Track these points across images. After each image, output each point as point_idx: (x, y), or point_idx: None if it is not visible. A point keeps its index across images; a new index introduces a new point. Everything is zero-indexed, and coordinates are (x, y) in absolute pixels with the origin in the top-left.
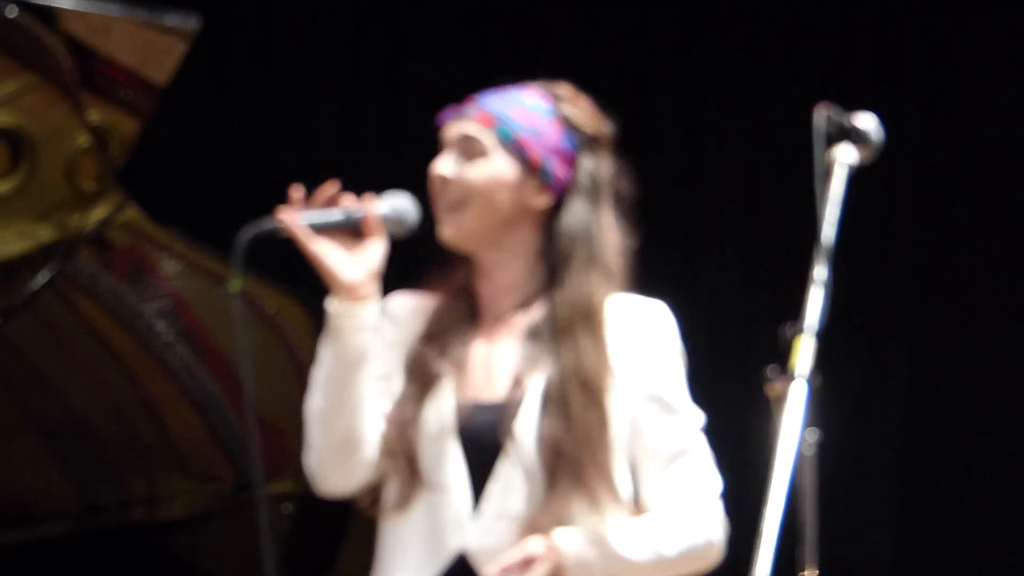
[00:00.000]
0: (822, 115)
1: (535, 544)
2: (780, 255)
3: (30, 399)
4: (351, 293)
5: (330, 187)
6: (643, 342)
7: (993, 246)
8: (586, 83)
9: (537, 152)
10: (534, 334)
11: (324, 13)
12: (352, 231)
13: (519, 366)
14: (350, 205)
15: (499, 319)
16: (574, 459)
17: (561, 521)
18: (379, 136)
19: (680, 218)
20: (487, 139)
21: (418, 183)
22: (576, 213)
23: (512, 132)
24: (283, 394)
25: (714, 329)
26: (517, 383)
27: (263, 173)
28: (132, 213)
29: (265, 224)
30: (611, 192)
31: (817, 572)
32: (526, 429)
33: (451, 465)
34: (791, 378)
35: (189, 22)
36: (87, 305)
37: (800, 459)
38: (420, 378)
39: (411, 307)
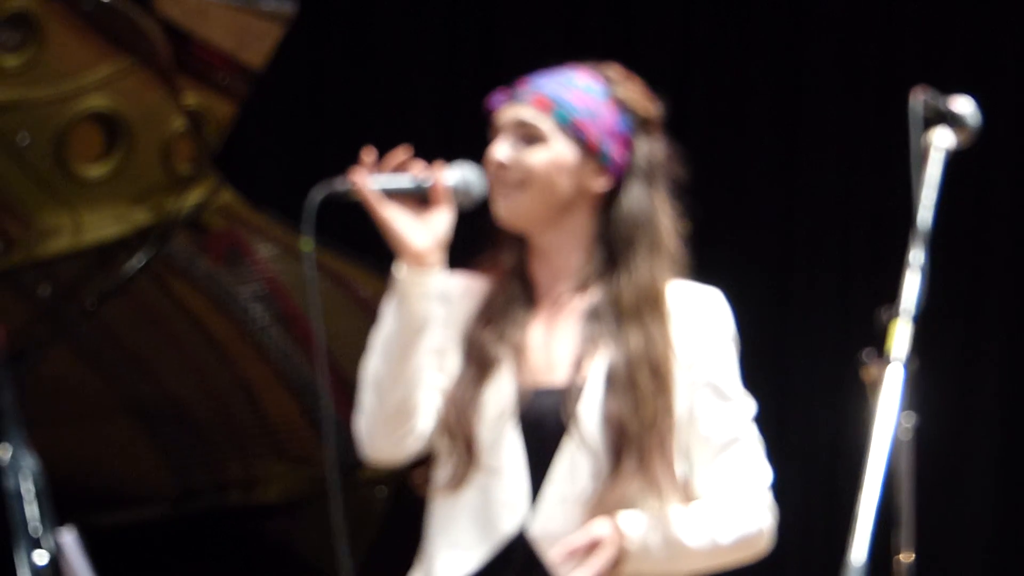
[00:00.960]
0: (919, 99)
1: (602, 527)
2: (877, 239)
3: (127, 382)
4: (418, 260)
5: (401, 152)
6: (701, 329)
7: None
8: (680, 67)
9: (595, 135)
10: (594, 317)
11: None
12: (420, 199)
13: (580, 349)
14: (419, 172)
15: (556, 302)
16: (640, 442)
17: (623, 504)
18: (475, 122)
19: (778, 202)
20: (544, 124)
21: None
22: (635, 196)
23: (569, 115)
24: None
25: (811, 313)
26: (578, 366)
27: (358, 157)
28: (228, 196)
29: (336, 185)
30: (666, 175)
31: (913, 556)
32: (590, 411)
33: (509, 449)
34: (887, 362)
35: (285, 6)
36: (183, 288)
37: (897, 443)
38: (479, 361)
39: (464, 288)
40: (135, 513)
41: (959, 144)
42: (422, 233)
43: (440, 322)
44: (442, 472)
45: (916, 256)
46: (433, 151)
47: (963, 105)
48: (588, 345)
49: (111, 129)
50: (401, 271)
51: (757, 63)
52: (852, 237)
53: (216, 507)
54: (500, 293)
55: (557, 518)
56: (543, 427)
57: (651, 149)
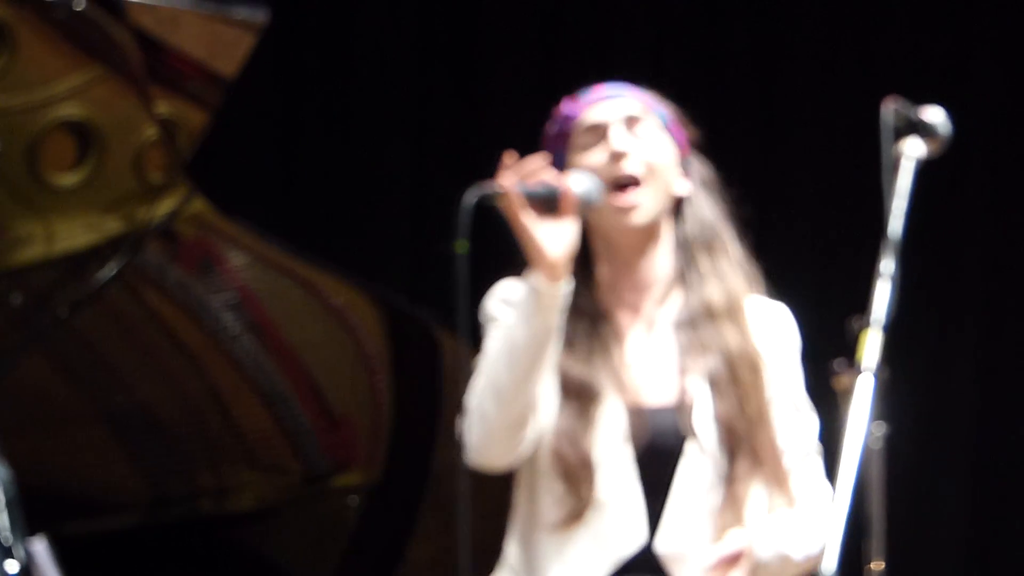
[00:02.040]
0: (890, 109)
1: (742, 540)
2: (849, 248)
3: (99, 390)
4: (554, 271)
5: (538, 158)
6: (776, 342)
7: None
8: (653, 79)
9: (683, 140)
10: (688, 326)
11: (397, 5)
12: (547, 207)
13: (681, 361)
14: (551, 180)
15: (640, 314)
16: (750, 439)
17: (745, 507)
18: (451, 126)
19: (750, 211)
20: (651, 120)
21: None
22: (708, 204)
23: (666, 117)
24: (352, 387)
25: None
26: (683, 378)
27: (332, 166)
28: (199, 205)
29: (487, 189)
30: (721, 195)
31: (884, 565)
32: (704, 422)
33: (625, 477)
34: (858, 371)
35: (258, 15)
36: (155, 297)
37: (867, 452)
38: (578, 392)
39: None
40: (107, 521)
41: (930, 154)
42: (556, 243)
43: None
44: (551, 506)
45: (887, 266)
46: (410, 152)
47: (934, 115)
48: (688, 357)
49: (83, 138)
50: (537, 281)
51: (731, 75)
52: (824, 246)
53: (189, 515)
54: (573, 314)
55: (684, 534)
56: (661, 447)
57: (704, 165)
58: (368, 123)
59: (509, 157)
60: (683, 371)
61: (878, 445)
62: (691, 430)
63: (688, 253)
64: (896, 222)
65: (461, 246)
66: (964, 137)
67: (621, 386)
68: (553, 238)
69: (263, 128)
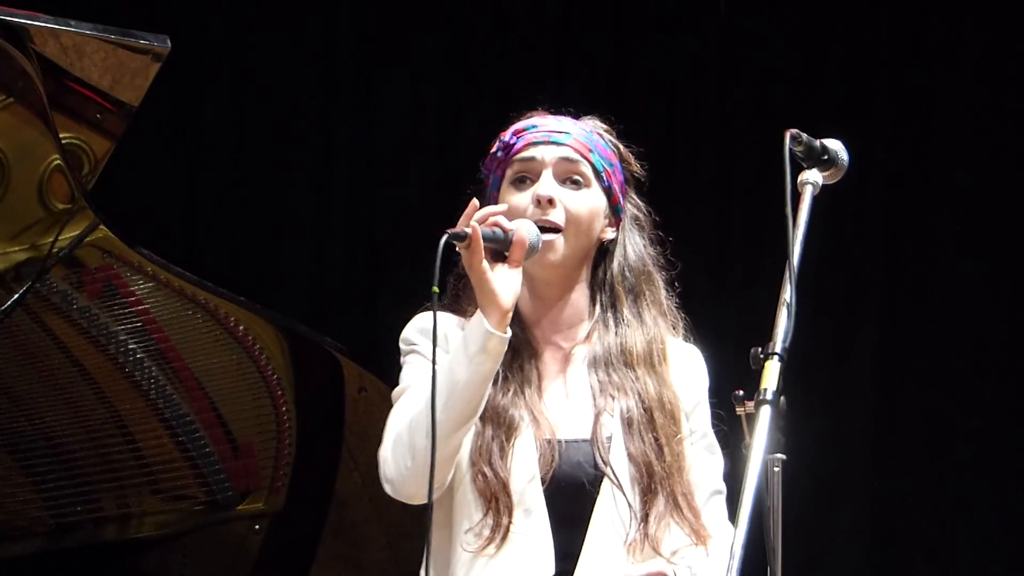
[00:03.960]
0: (790, 140)
1: (661, 566)
2: (750, 277)
3: (2, 417)
4: (504, 317)
5: (499, 207)
6: (692, 384)
7: (966, 263)
8: (558, 103)
9: (616, 185)
10: (604, 365)
11: (298, 32)
12: (497, 253)
13: (597, 399)
14: (506, 226)
15: (560, 353)
16: (666, 482)
17: (659, 544)
18: (352, 156)
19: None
20: (586, 168)
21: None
22: (636, 248)
23: (602, 164)
24: (256, 414)
25: None
26: (598, 415)
27: (235, 193)
28: (103, 233)
29: (457, 231)
30: (651, 236)
31: None
32: (618, 458)
33: (538, 507)
34: (760, 401)
35: (162, 43)
36: (59, 324)
37: (766, 480)
38: (499, 422)
39: (450, 328)
40: (8, 548)
41: (829, 182)
42: (507, 290)
43: None
44: (469, 530)
45: (788, 294)
46: (311, 183)
47: (833, 145)
48: (603, 395)
49: None
50: (489, 326)
51: (631, 98)
52: (727, 274)
53: (91, 541)
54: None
55: (600, 565)
56: (572, 480)
57: (637, 203)
58: (272, 149)
59: (475, 202)
60: (598, 408)
61: (777, 473)
62: (605, 464)
63: (611, 295)
64: (796, 251)
65: (436, 287)
66: (863, 166)
67: (536, 419)
68: (505, 286)
69: (167, 156)
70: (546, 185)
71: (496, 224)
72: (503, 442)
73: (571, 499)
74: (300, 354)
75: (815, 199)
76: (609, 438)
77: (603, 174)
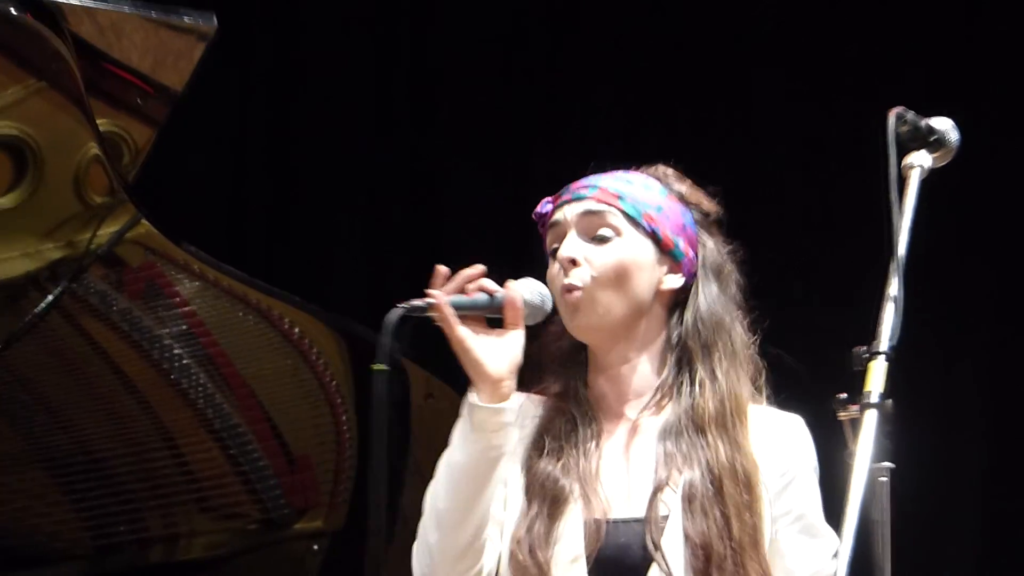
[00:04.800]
0: (894, 119)
1: None
2: (850, 270)
3: (38, 430)
4: (496, 387)
5: (478, 270)
6: (786, 458)
7: None
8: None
9: (667, 228)
10: (673, 434)
11: (352, 12)
12: (490, 317)
13: (659, 473)
14: (491, 288)
15: (621, 421)
16: (735, 564)
17: None
18: (408, 143)
19: (738, 230)
20: (614, 218)
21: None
22: (710, 297)
23: (640, 208)
24: (313, 424)
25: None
26: (658, 491)
27: (287, 186)
28: (146, 228)
29: (416, 303)
30: (732, 277)
31: None
32: (673, 539)
33: None
34: (864, 405)
35: (208, 21)
36: (98, 328)
37: (873, 490)
38: (545, 497)
39: (520, 410)
40: (49, 573)
41: (937, 165)
42: (498, 357)
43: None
44: None
45: (894, 288)
46: (365, 170)
47: (941, 124)
48: (666, 467)
49: (19, 157)
50: (477, 399)
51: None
52: (823, 269)
53: (137, 564)
54: (558, 417)
55: None
56: (620, 563)
57: (716, 247)
58: (322, 132)
59: (440, 270)
60: (658, 484)
61: (884, 483)
62: (656, 546)
63: (683, 355)
64: (903, 241)
65: (380, 365)
66: (972, 147)
67: (588, 495)
68: (495, 353)
69: (215, 145)
70: (566, 246)
71: (482, 289)
72: (547, 519)
73: None
74: (361, 358)
75: (925, 184)
76: (666, 517)
77: (642, 219)
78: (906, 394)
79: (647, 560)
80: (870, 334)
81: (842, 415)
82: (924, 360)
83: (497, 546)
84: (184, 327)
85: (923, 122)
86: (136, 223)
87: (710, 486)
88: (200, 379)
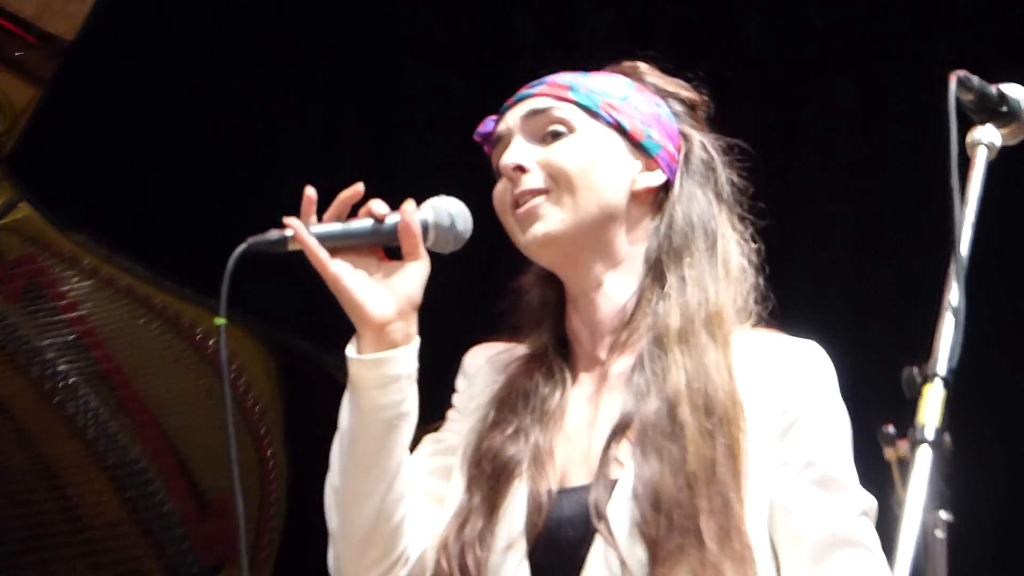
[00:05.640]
0: (956, 86)
1: None
2: (900, 272)
3: None
4: (380, 334)
5: (353, 189)
6: (790, 391)
7: None
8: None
9: (634, 118)
10: (637, 369)
11: None
12: (382, 246)
13: (618, 422)
14: (380, 211)
15: (595, 367)
16: (689, 508)
17: None
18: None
19: (768, 229)
20: (567, 111)
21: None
22: (689, 197)
23: (596, 97)
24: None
25: None
26: (612, 443)
27: (209, 158)
28: (25, 213)
29: (268, 236)
30: (727, 179)
31: None
32: (622, 503)
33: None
34: (916, 440)
35: None
36: None
37: (928, 540)
38: (485, 477)
39: (481, 364)
40: None
41: (1009, 143)
42: (385, 296)
43: (415, 410)
44: None
45: (954, 296)
46: (317, 147)
47: (1015, 93)
48: (630, 412)
49: None
50: (353, 351)
51: (744, 25)
52: (868, 271)
53: None
54: (520, 379)
55: None
56: (560, 540)
57: (705, 143)
58: (258, 94)
59: (309, 192)
60: (613, 434)
61: (942, 531)
62: (599, 515)
63: (657, 268)
64: (966, 235)
65: (220, 320)
66: None
67: (540, 464)
68: (379, 291)
69: (116, 110)
70: (509, 153)
71: (369, 214)
72: (487, 508)
73: (558, 565)
74: (294, 378)
75: (994, 166)
76: (619, 476)
77: (599, 108)
78: (970, 426)
79: (589, 533)
80: (925, 351)
81: (889, 453)
82: (992, 383)
83: (431, 525)
84: (71, 337)
85: (992, 89)
86: (13, 206)
87: (665, 419)
88: (90, 402)
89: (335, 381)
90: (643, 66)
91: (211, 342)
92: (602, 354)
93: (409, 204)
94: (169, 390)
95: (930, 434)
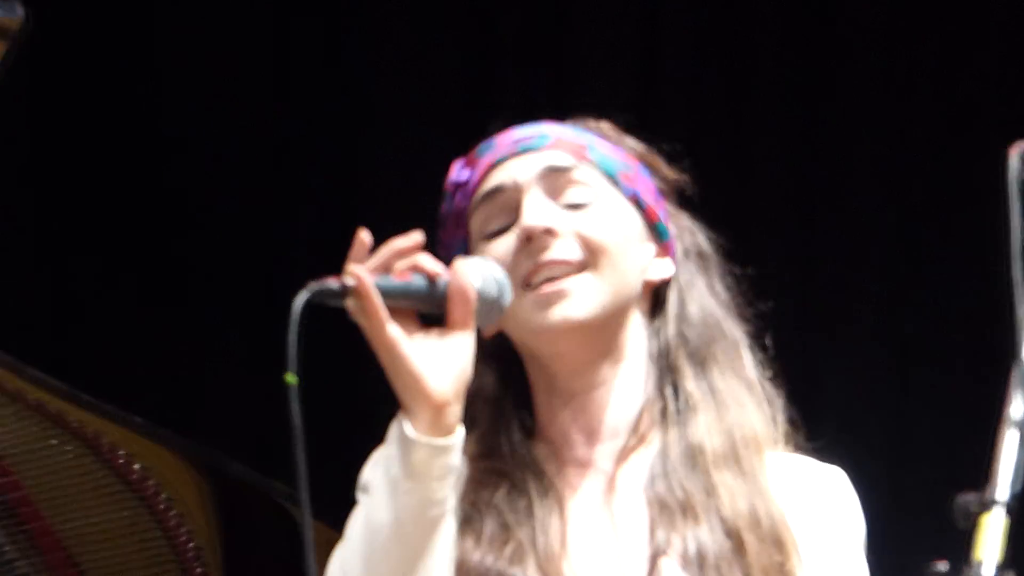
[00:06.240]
0: (1017, 159)
1: None
2: (951, 369)
3: None
4: (439, 415)
5: (413, 239)
6: (824, 520)
7: None
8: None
9: (647, 194)
10: (661, 485)
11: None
12: (427, 313)
13: (655, 540)
14: (431, 269)
15: (589, 472)
16: None
17: None
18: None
19: (790, 305)
20: (588, 176)
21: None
22: (699, 291)
23: (613, 165)
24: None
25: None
26: (656, 566)
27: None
28: None
29: (327, 284)
30: (719, 273)
31: None
32: None
33: None
34: None
35: (9, 12)
36: None
37: None
38: None
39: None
40: None
41: None
42: (443, 371)
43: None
44: None
45: (1019, 410)
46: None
47: None
48: (665, 527)
49: None
50: (413, 431)
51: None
52: (911, 367)
53: None
54: (491, 481)
55: None
56: None
57: (692, 226)
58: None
59: (363, 236)
60: (655, 554)
61: None
62: None
63: (670, 372)
64: None
65: (290, 375)
66: None
67: None
68: (437, 362)
69: (18, 189)
70: (532, 212)
71: (416, 268)
72: None
73: None
74: (235, 509)
75: None
76: None
77: (619, 178)
78: None
79: None
80: (981, 475)
81: None
82: None
83: None
84: None
85: None
86: None
87: (726, 542)
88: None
89: (283, 511)
90: (607, 127)
91: (136, 466)
92: (600, 461)
93: (461, 264)
94: (86, 524)
95: (990, 572)
